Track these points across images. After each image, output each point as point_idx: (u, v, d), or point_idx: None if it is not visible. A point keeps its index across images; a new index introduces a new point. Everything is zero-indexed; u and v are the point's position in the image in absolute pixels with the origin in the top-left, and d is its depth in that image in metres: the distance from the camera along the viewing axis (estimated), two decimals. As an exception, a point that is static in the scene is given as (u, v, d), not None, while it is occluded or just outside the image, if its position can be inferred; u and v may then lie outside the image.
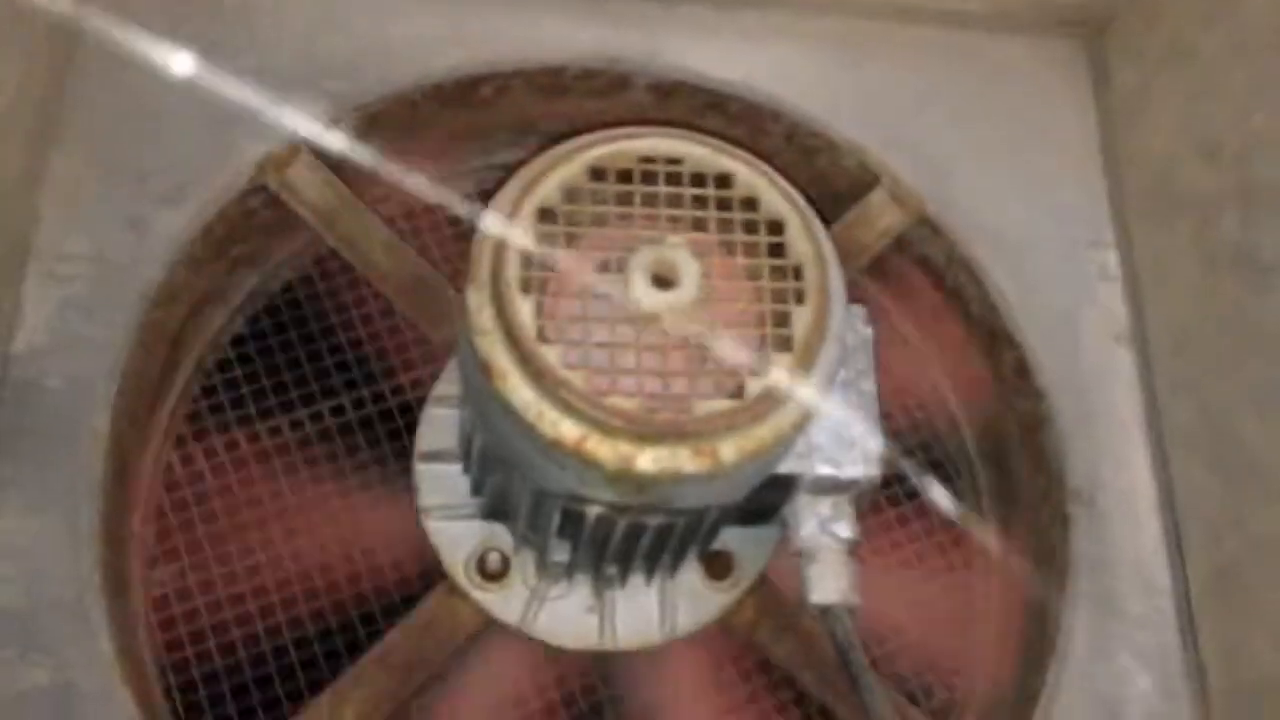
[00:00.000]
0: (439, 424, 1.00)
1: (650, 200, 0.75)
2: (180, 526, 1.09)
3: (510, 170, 0.78)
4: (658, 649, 0.98)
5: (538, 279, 0.72)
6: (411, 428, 1.03)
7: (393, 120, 1.13)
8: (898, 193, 1.14)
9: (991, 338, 1.13)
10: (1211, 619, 1.00)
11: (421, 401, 1.03)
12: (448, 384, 1.01)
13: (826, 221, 1.05)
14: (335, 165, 1.09)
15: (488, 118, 1.18)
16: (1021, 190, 1.15)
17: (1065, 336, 1.11)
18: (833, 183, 1.17)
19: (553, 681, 1.08)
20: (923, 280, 1.18)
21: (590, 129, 0.78)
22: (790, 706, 1.11)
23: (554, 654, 0.99)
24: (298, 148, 1.07)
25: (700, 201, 0.75)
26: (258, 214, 1.09)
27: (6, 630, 0.90)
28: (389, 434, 1.14)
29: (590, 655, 0.99)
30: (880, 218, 1.13)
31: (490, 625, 0.97)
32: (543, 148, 0.78)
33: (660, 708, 1.06)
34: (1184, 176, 1.06)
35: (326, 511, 1.11)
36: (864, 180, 1.15)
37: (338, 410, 1.16)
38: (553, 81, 1.16)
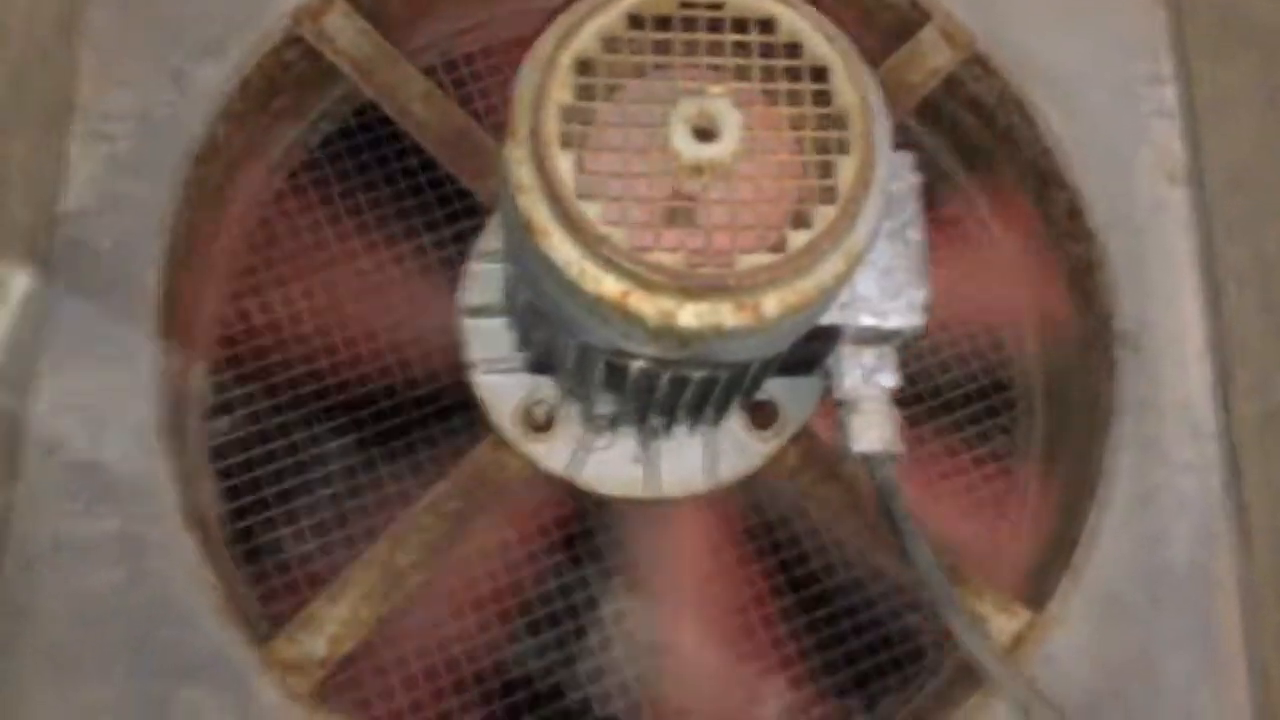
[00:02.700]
0: (484, 279, 1.00)
1: (691, 48, 0.72)
2: (235, 380, 1.12)
3: (546, 15, 0.76)
4: (697, 498, 1.00)
5: (577, 133, 0.70)
6: (455, 281, 1.03)
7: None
8: (949, 29, 1.10)
9: (1043, 179, 1.10)
10: (1257, 463, 1.00)
11: (464, 254, 1.03)
12: (491, 238, 1.01)
13: (875, 62, 1.03)
14: (371, 14, 1.07)
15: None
16: (1077, 23, 1.11)
17: (1118, 176, 1.08)
18: (882, 21, 1.13)
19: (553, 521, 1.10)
20: (973, 121, 1.15)
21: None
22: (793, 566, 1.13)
23: (599, 501, 1.01)
24: (332, -4, 1.06)
25: (742, 48, 0.73)
26: (295, 65, 1.07)
27: (74, 482, 0.94)
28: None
29: (630, 501, 1.01)
30: (930, 56, 1.10)
31: (537, 475, 0.99)
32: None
33: (663, 556, 1.08)
34: (1251, 7, 1.02)
35: (378, 359, 1.13)
36: (914, 18, 1.11)
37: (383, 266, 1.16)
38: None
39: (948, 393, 1.18)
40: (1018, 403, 1.18)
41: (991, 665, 0.84)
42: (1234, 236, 1.04)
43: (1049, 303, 1.14)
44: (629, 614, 1.09)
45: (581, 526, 1.11)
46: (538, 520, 1.10)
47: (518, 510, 1.06)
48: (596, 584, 1.11)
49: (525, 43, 0.74)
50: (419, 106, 1.06)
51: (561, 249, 0.70)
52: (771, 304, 0.71)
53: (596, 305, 0.71)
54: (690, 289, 0.69)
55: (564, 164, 0.69)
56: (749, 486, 1.01)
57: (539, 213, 0.70)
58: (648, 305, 0.70)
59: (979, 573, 0.99)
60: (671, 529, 1.04)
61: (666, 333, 0.71)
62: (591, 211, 0.69)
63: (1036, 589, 1.01)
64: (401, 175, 1.18)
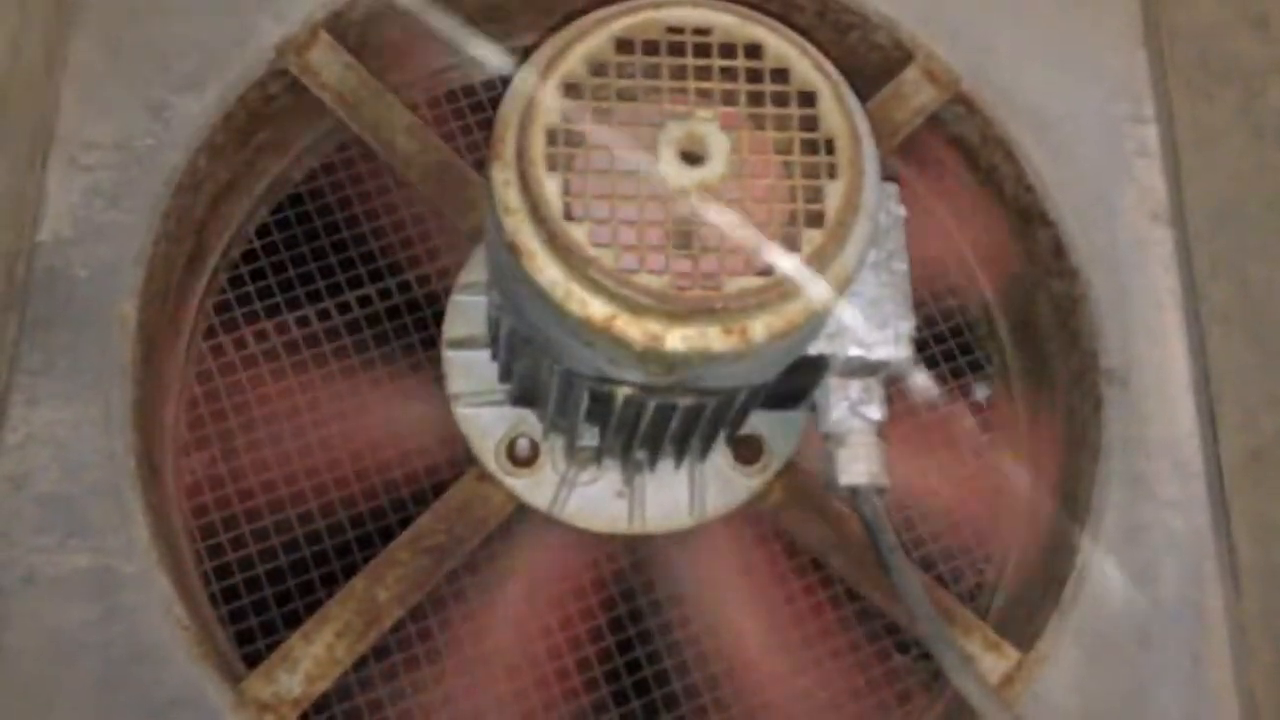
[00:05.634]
0: (466, 311, 1.00)
1: (678, 73, 0.73)
2: (211, 416, 1.10)
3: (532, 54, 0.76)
4: (687, 532, 0.99)
5: (564, 155, 0.70)
6: (439, 316, 1.02)
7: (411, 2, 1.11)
8: (932, 69, 1.11)
9: (1026, 217, 1.10)
10: (1245, 499, 0.99)
11: (448, 290, 1.03)
12: (474, 270, 1.01)
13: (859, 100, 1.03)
14: (356, 49, 1.07)
15: (509, -2, 1.16)
16: (1059, 64, 1.12)
17: (1102, 215, 1.08)
18: (866, 60, 1.14)
19: (584, 565, 1.08)
20: (956, 160, 1.15)
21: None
22: (818, 589, 1.11)
23: (585, 538, 1.00)
24: (317, 30, 1.05)
25: (729, 73, 0.73)
26: (278, 99, 1.07)
27: (46, 516, 0.92)
28: (416, 323, 1.14)
29: (620, 539, 0.99)
30: (914, 95, 1.10)
31: (520, 511, 0.98)
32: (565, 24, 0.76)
33: (689, 590, 1.06)
34: (1230, 47, 1.03)
35: (356, 400, 1.11)
36: (897, 57, 1.12)
37: (365, 300, 1.15)
38: (575, -43, 1.13)
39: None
40: (986, 347, 1.19)
41: (982, 700, 0.82)
42: (1218, 273, 1.04)
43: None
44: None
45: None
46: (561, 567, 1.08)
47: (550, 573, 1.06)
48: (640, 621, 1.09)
49: (509, 81, 0.74)
50: (403, 140, 1.05)
51: (547, 271, 0.69)
52: (759, 328, 0.70)
53: (582, 329, 0.70)
54: (678, 312, 0.69)
55: (550, 185, 0.69)
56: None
57: (525, 234, 0.69)
58: (634, 328, 0.69)
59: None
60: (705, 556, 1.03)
61: (653, 357, 0.70)
62: (578, 233, 0.68)
63: (1026, 624, 1.00)
64: (385, 211, 1.17)
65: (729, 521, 1.01)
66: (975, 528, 1.13)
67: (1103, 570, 1.00)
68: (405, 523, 0.99)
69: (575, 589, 1.08)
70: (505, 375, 0.95)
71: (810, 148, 0.72)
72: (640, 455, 0.93)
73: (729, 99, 0.73)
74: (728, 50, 0.73)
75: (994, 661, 0.97)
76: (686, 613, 1.07)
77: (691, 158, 0.71)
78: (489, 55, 1.07)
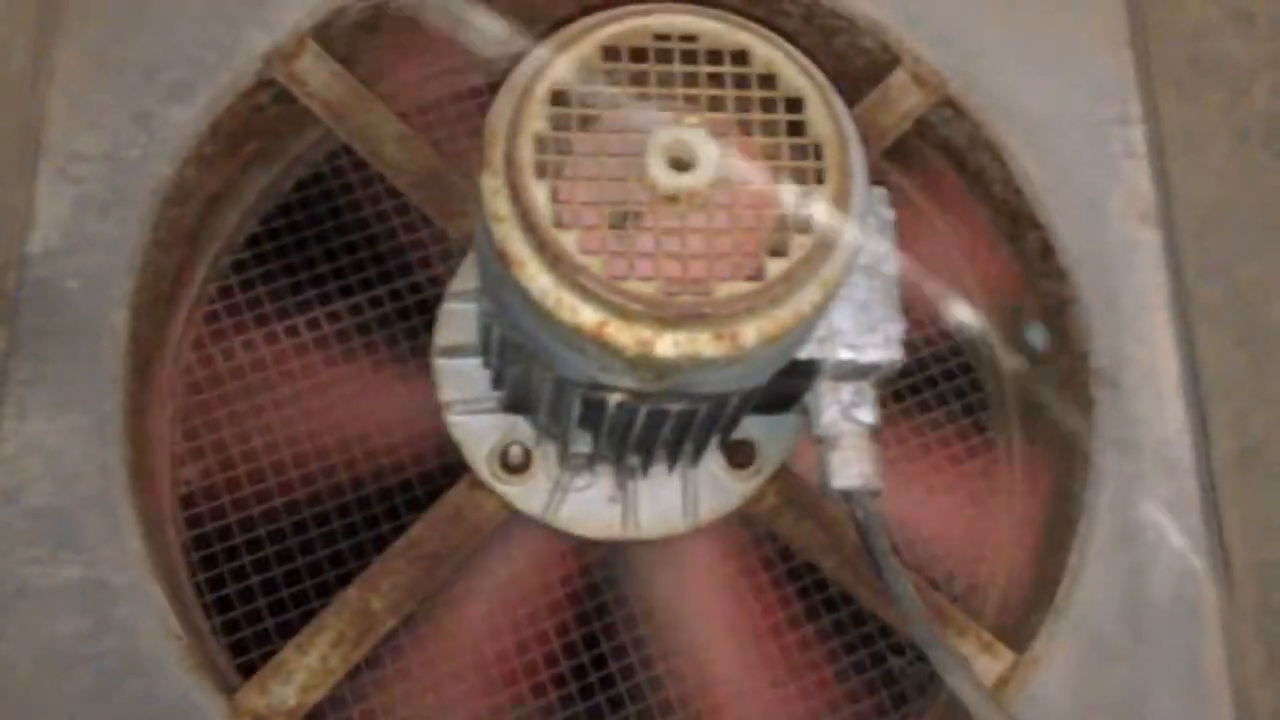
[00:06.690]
0: (457, 319, 0.99)
1: (666, 80, 0.73)
2: (204, 426, 1.10)
3: (520, 60, 0.76)
4: (681, 538, 0.99)
5: (553, 163, 0.70)
6: (430, 324, 1.02)
7: (398, 10, 1.11)
8: (919, 73, 1.11)
9: (1015, 219, 1.11)
10: (1237, 498, 1.00)
11: (439, 298, 1.03)
12: (465, 278, 1.01)
13: (847, 104, 1.03)
14: (343, 58, 1.07)
15: (493, 6, 1.15)
16: (1046, 66, 1.12)
17: (1090, 216, 1.08)
18: (853, 64, 1.14)
19: (577, 571, 1.08)
20: (944, 163, 1.15)
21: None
22: (811, 592, 1.11)
23: (577, 543, 1.00)
24: (305, 40, 1.05)
25: (717, 79, 0.73)
26: (267, 109, 1.07)
27: (38, 528, 0.92)
28: (407, 332, 1.14)
29: (612, 544, 0.99)
30: (901, 100, 1.11)
31: (514, 517, 0.98)
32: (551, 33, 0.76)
33: (682, 596, 1.06)
34: (1216, 46, 1.03)
35: (348, 410, 1.11)
36: (884, 61, 1.12)
37: (356, 309, 1.15)
38: (561, -35, 1.13)
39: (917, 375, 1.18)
40: (986, 381, 1.19)
41: (976, 702, 0.82)
42: (1207, 273, 1.04)
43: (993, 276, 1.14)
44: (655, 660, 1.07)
45: (587, 580, 1.09)
46: (542, 578, 1.08)
47: (520, 572, 1.05)
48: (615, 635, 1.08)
49: (497, 89, 0.74)
50: (392, 148, 1.05)
51: (538, 279, 0.69)
52: (749, 333, 0.70)
53: (573, 336, 0.70)
54: (668, 318, 0.69)
55: (539, 193, 0.69)
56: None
57: (514, 242, 0.69)
58: (625, 335, 0.69)
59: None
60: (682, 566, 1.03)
61: (644, 363, 0.70)
62: (568, 241, 0.68)
63: (1019, 626, 1.00)
64: (376, 219, 1.17)
65: (714, 529, 1.00)
66: (967, 529, 1.13)
67: (1096, 570, 1.00)
68: (400, 530, 0.99)
69: (569, 595, 1.08)
70: (497, 382, 0.95)
71: (798, 153, 0.72)
72: (633, 461, 0.93)
73: (716, 105, 0.73)
74: (715, 57, 0.73)
75: (988, 663, 0.97)
76: (661, 626, 1.06)
77: (680, 164, 0.71)
78: (492, 27, 1.07)
